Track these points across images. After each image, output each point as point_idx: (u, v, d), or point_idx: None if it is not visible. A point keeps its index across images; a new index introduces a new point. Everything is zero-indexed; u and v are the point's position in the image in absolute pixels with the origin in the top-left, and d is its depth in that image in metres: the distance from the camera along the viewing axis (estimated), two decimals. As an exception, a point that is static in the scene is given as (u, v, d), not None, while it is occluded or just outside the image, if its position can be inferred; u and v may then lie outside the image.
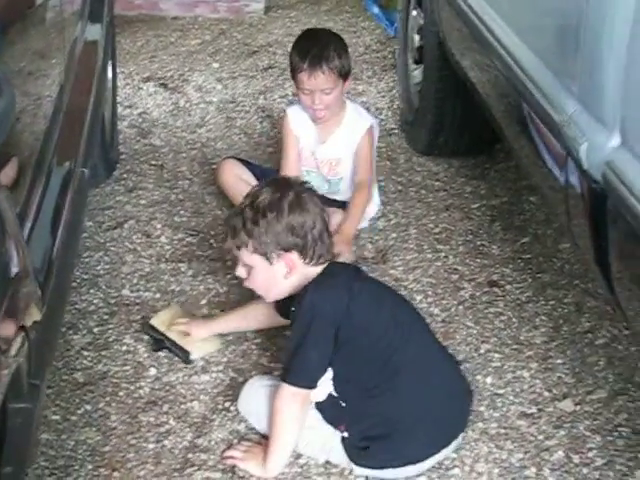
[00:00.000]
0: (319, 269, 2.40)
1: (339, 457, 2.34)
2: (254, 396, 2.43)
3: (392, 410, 2.29)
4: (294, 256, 2.37)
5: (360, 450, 2.31)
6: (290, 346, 2.33)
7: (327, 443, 2.34)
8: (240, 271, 2.47)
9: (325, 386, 2.32)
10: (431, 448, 2.32)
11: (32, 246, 1.79)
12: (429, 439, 2.32)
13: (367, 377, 2.30)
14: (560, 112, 2.17)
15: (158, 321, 2.78)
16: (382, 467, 2.31)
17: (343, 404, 2.32)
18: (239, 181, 3.30)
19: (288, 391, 2.27)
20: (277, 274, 2.40)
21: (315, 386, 2.30)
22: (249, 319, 2.77)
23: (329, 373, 2.30)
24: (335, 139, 3.27)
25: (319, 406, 2.35)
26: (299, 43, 3.22)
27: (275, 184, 2.46)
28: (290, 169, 3.25)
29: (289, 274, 2.40)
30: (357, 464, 2.31)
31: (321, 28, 3.39)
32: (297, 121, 3.29)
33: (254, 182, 3.25)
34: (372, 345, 2.29)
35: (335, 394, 2.33)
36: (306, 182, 2.54)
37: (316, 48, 3.13)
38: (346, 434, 2.31)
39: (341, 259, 2.86)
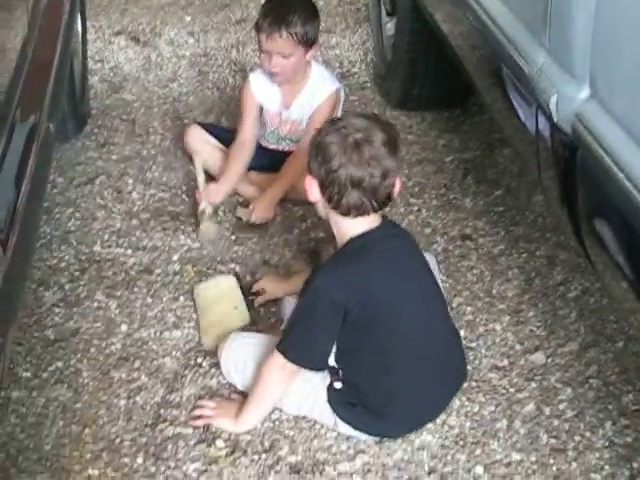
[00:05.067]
0: (356, 224, 2.24)
1: (320, 410, 2.31)
2: (240, 352, 2.40)
3: (388, 392, 2.25)
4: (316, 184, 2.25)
5: (347, 405, 2.28)
6: (292, 320, 2.28)
7: (313, 391, 2.31)
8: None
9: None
10: (412, 428, 2.32)
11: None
12: (413, 422, 2.32)
13: (369, 358, 2.25)
14: (530, 64, 2.15)
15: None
16: (361, 430, 2.30)
17: (340, 372, 2.29)
18: (205, 145, 3.30)
19: (279, 360, 2.23)
20: None
21: (316, 368, 2.26)
22: None
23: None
24: (298, 103, 3.21)
25: None
26: (267, 2, 3.16)
27: (370, 117, 2.27)
28: (245, 136, 3.21)
29: None
30: (340, 417, 2.29)
31: None
32: (260, 86, 3.23)
33: (220, 146, 3.28)
34: (382, 334, 2.23)
35: (335, 364, 2.28)
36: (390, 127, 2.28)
37: (279, 10, 3.06)
38: (339, 385, 2.28)
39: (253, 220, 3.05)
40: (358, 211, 2.22)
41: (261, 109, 3.27)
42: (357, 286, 2.18)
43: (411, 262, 2.33)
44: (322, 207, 2.28)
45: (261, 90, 3.24)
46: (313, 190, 2.26)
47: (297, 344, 2.24)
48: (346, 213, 2.22)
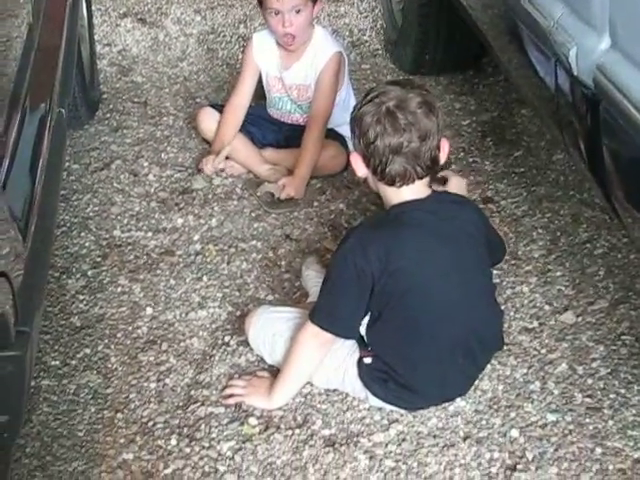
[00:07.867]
0: (401, 193, 2.21)
1: (352, 384, 2.29)
2: (268, 327, 2.38)
3: (415, 364, 2.22)
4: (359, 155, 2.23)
5: (379, 380, 2.25)
6: (322, 284, 2.26)
7: (342, 366, 2.28)
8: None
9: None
10: (444, 401, 2.29)
11: (9, 190, 1.74)
12: (443, 395, 2.29)
13: (397, 330, 2.22)
14: (547, 17, 2.11)
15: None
16: (394, 404, 2.27)
17: (369, 348, 2.26)
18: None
19: (312, 329, 2.21)
20: None
21: (343, 335, 2.23)
22: None
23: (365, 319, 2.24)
24: (299, 65, 3.17)
25: None
26: None
27: (403, 83, 2.25)
28: (241, 98, 3.22)
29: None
30: (372, 392, 2.27)
31: None
32: (261, 47, 3.22)
33: None
34: (409, 305, 2.19)
35: (365, 337, 2.26)
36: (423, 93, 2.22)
37: None
38: (369, 360, 2.26)
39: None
40: (403, 179, 2.19)
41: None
42: (383, 254, 2.15)
43: (451, 236, 2.24)
44: (372, 181, 2.26)
45: (262, 51, 3.22)
46: (359, 165, 2.24)
47: (324, 309, 2.22)
48: (391, 183, 2.20)
